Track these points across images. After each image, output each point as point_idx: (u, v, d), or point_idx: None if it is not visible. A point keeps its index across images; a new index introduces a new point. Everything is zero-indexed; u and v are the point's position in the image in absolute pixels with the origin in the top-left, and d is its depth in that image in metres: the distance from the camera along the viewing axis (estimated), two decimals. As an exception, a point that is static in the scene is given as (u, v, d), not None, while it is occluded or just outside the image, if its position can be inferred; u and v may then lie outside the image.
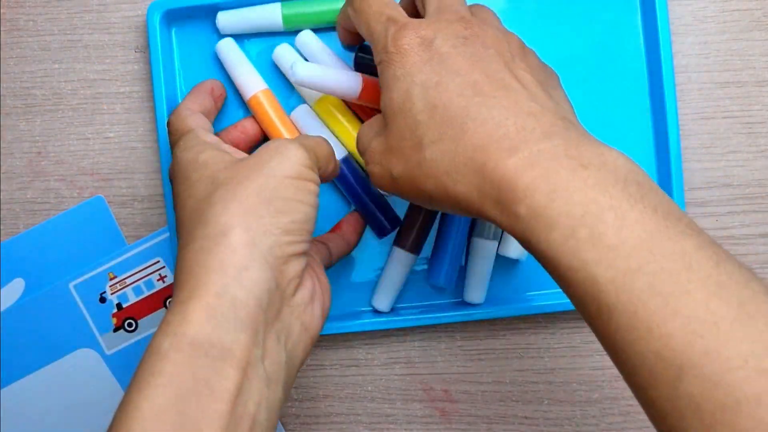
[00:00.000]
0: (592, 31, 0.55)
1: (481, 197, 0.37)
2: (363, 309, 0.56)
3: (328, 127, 0.54)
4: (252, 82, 0.54)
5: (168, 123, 0.48)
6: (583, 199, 0.34)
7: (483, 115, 0.38)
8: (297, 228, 0.40)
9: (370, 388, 0.57)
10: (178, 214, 0.42)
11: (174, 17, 0.55)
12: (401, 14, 0.42)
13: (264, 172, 0.40)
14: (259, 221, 0.39)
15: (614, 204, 0.34)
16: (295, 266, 0.40)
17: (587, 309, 0.34)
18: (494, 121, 0.37)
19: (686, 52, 0.56)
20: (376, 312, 0.56)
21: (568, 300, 0.54)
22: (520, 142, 0.36)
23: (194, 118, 0.47)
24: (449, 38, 0.40)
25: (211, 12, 0.55)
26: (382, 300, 0.55)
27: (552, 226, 0.34)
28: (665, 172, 0.53)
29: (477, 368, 0.57)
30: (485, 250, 0.54)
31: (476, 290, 0.54)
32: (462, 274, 0.55)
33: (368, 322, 0.55)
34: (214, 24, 0.55)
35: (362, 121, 0.54)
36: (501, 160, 0.36)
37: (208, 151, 0.43)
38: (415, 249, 0.54)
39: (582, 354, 0.56)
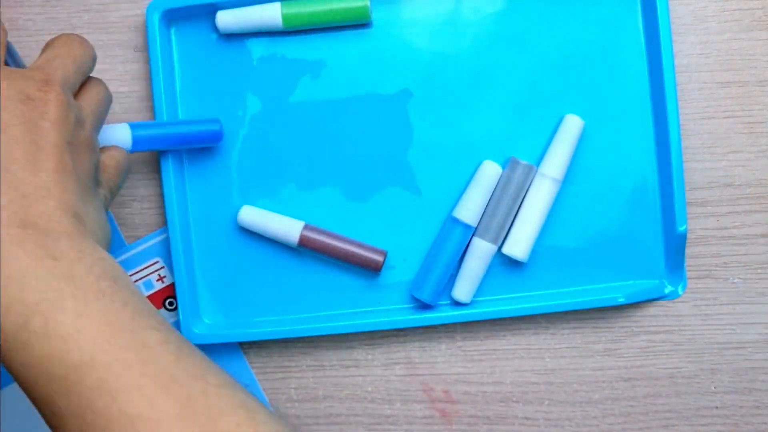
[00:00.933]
0: (593, 31, 0.55)
1: None
2: (363, 309, 0.56)
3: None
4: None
5: None
6: (42, 286, 0.33)
7: None
8: None
9: (370, 388, 0.57)
10: None
11: (173, 17, 0.55)
12: None
13: None
14: None
15: (78, 293, 0.33)
16: None
17: (46, 418, 0.33)
18: None
19: (687, 51, 0.55)
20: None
21: (570, 301, 0.54)
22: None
23: None
24: (14, 93, 0.38)
25: (211, 11, 0.55)
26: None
27: (4, 314, 0.32)
28: (666, 172, 0.53)
29: (477, 369, 0.57)
30: (483, 251, 0.54)
31: (466, 289, 0.54)
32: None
33: (368, 323, 0.55)
34: (214, 23, 0.55)
35: None
36: None
37: None
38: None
39: (583, 354, 0.56)
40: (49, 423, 0.33)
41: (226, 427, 0.32)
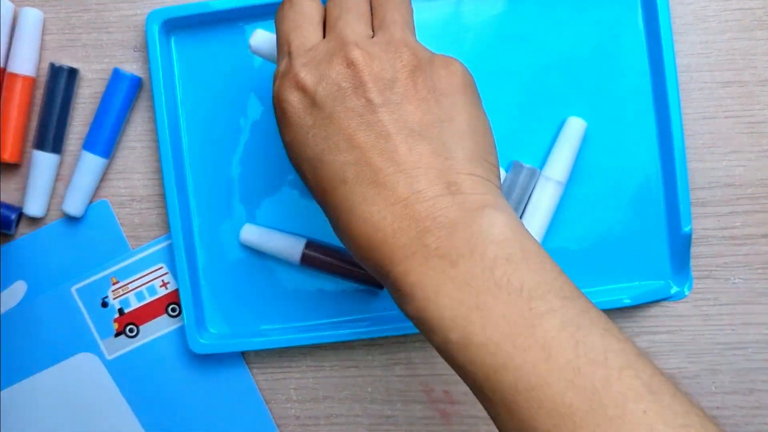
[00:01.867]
0: (594, 32, 0.54)
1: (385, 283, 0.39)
2: (366, 316, 0.56)
3: None
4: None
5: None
6: (452, 303, 0.35)
7: (363, 212, 0.37)
8: None
9: (370, 389, 0.57)
10: None
11: (173, 25, 0.55)
12: (302, 41, 0.40)
13: None
14: None
15: (480, 301, 0.34)
16: None
17: (479, 400, 0.36)
18: (373, 220, 0.37)
19: (688, 51, 0.55)
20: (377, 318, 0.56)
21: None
22: (397, 248, 0.36)
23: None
24: (330, 90, 0.38)
25: (210, 20, 0.55)
26: None
27: (431, 331, 0.36)
28: (670, 172, 0.54)
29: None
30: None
31: None
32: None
33: (372, 330, 0.55)
34: (213, 31, 0.55)
35: None
36: (385, 266, 0.37)
37: None
38: None
39: (583, 355, 0.56)
40: (484, 405, 0.36)
41: (633, 416, 0.32)
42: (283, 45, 0.41)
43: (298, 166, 0.40)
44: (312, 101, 0.38)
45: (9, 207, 0.56)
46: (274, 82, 0.41)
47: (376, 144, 0.37)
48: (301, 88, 0.39)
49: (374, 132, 0.37)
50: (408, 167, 0.37)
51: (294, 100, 0.39)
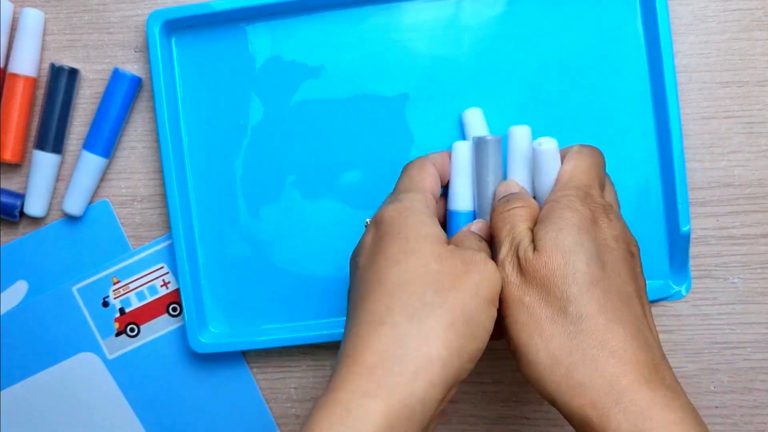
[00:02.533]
0: (593, 32, 0.54)
1: (600, 399, 0.39)
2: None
3: None
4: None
5: (407, 167, 0.47)
6: None
7: (630, 330, 0.39)
8: (476, 356, 0.40)
9: (370, 388, 0.57)
10: (378, 265, 0.41)
11: (174, 26, 0.55)
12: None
13: (468, 286, 0.40)
14: (458, 341, 0.39)
15: None
16: (453, 391, 0.41)
17: None
18: (638, 343, 0.39)
19: (687, 51, 0.55)
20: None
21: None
22: (656, 378, 0.38)
23: (431, 180, 0.47)
24: (621, 238, 0.43)
25: (211, 20, 0.55)
26: None
27: None
28: (668, 173, 0.53)
29: (477, 368, 0.56)
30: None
31: None
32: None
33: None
34: (214, 32, 0.55)
35: None
36: (639, 385, 0.38)
37: (432, 227, 0.42)
38: None
39: (583, 354, 0.56)
40: None
41: None
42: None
43: (576, 265, 0.41)
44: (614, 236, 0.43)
45: (13, 194, 0.56)
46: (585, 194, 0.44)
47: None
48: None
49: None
50: (638, 314, 0.41)
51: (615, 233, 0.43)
